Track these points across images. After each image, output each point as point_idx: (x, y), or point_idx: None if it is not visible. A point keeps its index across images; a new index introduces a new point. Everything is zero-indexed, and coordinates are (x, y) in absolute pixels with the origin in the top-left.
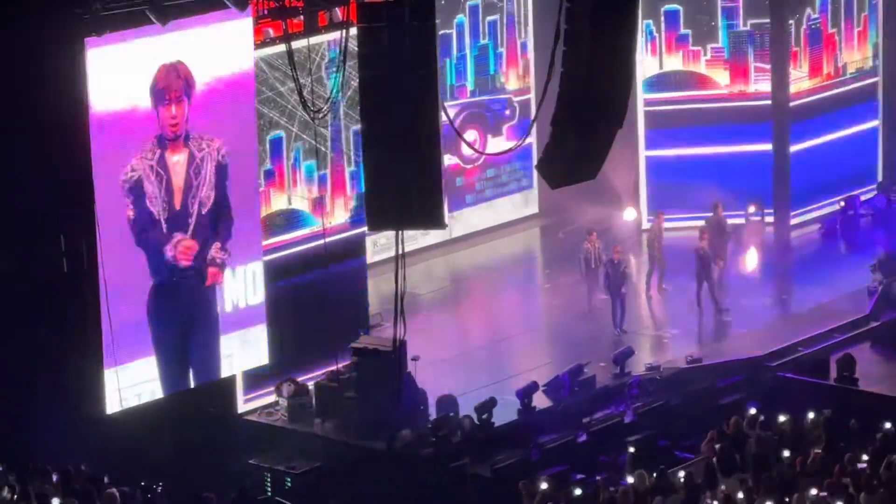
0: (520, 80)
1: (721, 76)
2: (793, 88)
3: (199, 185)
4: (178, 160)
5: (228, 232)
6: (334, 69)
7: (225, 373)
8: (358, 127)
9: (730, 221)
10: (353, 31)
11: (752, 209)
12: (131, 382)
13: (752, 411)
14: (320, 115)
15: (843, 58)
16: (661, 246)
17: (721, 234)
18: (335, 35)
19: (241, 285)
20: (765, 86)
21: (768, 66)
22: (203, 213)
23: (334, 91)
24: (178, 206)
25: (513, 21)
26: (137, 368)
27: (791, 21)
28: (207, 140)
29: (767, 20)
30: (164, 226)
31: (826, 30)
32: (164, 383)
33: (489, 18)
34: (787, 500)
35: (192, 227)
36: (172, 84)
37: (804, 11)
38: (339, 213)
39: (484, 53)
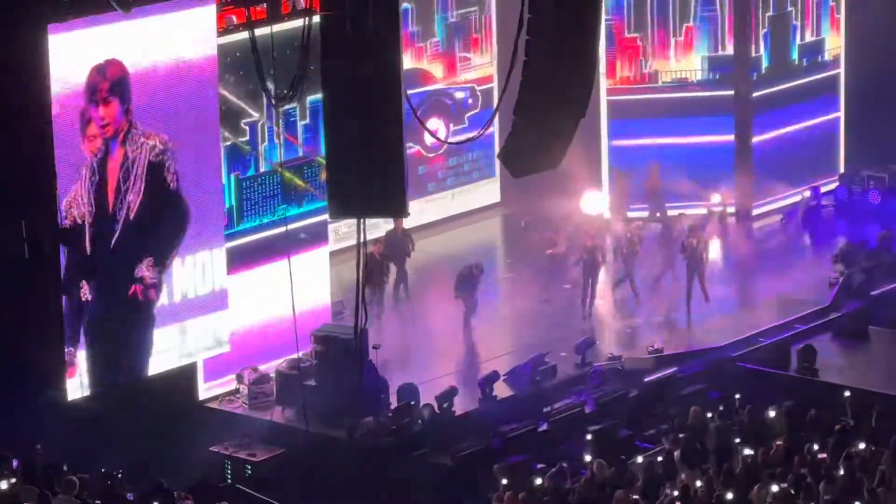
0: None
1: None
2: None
3: (127, 189)
4: (114, 161)
5: (179, 227)
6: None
7: (183, 361)
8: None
9: (692, 212)
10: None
11: (716, 199)
12: (92, 369)
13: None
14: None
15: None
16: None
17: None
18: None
19: (201, 273)
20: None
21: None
22: (131, 218)
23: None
24: (110, 209)
25: None
26: (98, 355)
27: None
28: (146, 136)
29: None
30: (87, 230)
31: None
32: (122, 371)
33: None
34: (748, 490)
35: (116, 236)
36: (98, 85)
37: None
38: None
39: None
